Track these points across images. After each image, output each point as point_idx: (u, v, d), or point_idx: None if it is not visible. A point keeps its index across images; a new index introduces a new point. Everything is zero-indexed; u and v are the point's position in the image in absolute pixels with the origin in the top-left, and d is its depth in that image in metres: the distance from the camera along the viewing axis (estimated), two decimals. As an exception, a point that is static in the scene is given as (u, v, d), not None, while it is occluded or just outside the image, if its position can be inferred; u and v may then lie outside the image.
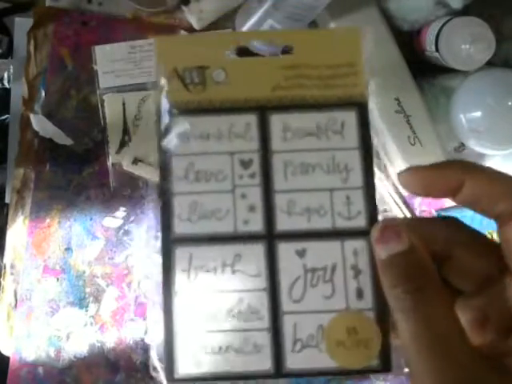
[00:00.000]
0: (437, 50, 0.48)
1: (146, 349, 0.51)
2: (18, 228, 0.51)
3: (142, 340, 0.50)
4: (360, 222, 0.25)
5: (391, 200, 0.52)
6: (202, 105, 0.26)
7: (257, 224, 0.25)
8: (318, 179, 0.26)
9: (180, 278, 0.25)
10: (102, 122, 0.51)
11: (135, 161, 0.50)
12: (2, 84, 0.59)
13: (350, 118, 0.27)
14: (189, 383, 0.25)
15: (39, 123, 0.51)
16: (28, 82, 0.52)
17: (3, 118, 0.59)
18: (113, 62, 0.51)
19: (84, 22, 0.52)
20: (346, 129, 0.26)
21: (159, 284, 0.25)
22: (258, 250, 0.25)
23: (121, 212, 0.51)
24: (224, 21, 0.52)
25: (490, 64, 0.49)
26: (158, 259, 0.25)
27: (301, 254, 0.25)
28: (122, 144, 0.50)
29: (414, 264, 0.20)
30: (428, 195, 0.23)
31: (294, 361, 0.24)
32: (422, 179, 0.22)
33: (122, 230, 0.51)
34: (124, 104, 0.50)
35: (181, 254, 0.25)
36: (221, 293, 0.25)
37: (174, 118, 0.26)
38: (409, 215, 0.52)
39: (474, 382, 0.18)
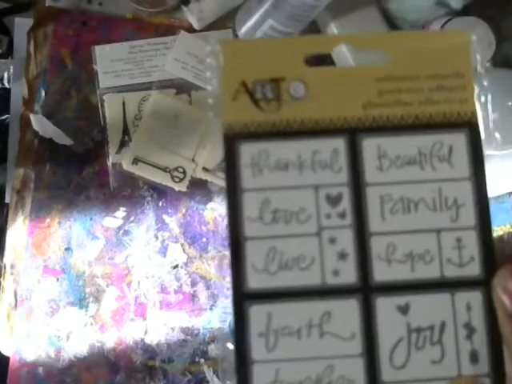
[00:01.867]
0: (437, 50, 0.48)
1: (145, 349, 0.51)
2: (18, 228, 0.51)
3: (142, 340, 0.51)
4: (474, 269, 0.20)
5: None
6: (276, 127, 0.21)
7: (349, 275, 0.21)
8: (421, 218, 0.21)
9: (256, 344, 0.20)
10: (101, 122, 0.51)
11: (135, 161, 0.50)
12: (2, 84, 0.59)
13: (459, 141, 0.22)
14: None
15: (39, 123, 0.51)
16: (28, 81, 0.52)
17: (3, 117, 0.59)
18: (113, 62, 0.51)
19: (84, 21, 0.52)
20: (455, 155, 0.22)
21: (231, 351, 0.20)
22: (351, 307, 0.20)
23: (121, 212, 0.51)
24: (224, 21, 0.52)
25: (490, 64, 0.48)
26: (232, 320, 0.20)
27: (403, 310, 0.20)
28: (122, 144, 0.50)
29: None
30: None
31: None
32: None
33: (122, 230, 0.51)
34: (124, 104, 0.50)
35: (257, 313, 0.20)
36: (306, 361, 0.20)
37: (243, 143, 0.21)
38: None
39: None
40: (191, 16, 0.51)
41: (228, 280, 0.20)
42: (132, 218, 0.51)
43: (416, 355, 0.20)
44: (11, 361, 0.50)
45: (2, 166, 0.55)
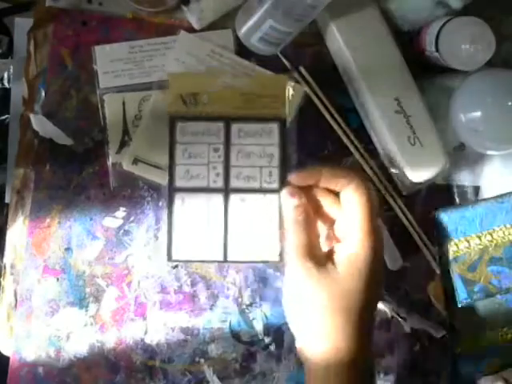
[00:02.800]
0: (437, 50, 0.48)
1: (145, 349, 0.51)
2: (18, 228, 0.51)
3: (142, 340, 0.51)
4: (275, 185, 0.45)
5: (390, 198, 0.52)
6: (193, 115, 0.46)
7: (220, 183, 0.46)
8: (254, 160, 0.46)
9: (179, 216, 0.45)
10: (102, 121, 0.51)
11: (135, 161, 0.50)
12: (2, 84, 0.59)
13: (275, 127, 0.46)
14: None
15: (39, 123, 0.51)
16: (28, 81, 0.52)
17: (3, 117, 0.59)
18: (113, 62, 0.51)
19: (84, 21, 0.52)
20: (272, 133, 0.46)
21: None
22: (219, 198, 0.46)
23: (121, 212, 0.51)
24: (224, 21, 0.52)
25: (490, 64, 0.49)
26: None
27: (243, 200, 0.46)
28: (122, 144, 0.50)
29: (301, 209, 0.41)
30: (305, 183, 0.42)
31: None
32: (302, 179, 0.42)
33: (121, 230, 0.51)
34: (124, 104, 0.51)
35: (179, 198, 0.45)
36: (197, 211, 0.46)
37: (177, 122, 0.46)
38: (408, 213, 0.52)
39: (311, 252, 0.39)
40: (191, 16, 0.51)
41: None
42: (132, 218, 0.51)
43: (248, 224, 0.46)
44: (11, 361, 0.50)
45: (2, 166, 0.55)
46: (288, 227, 0.41)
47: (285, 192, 0.42)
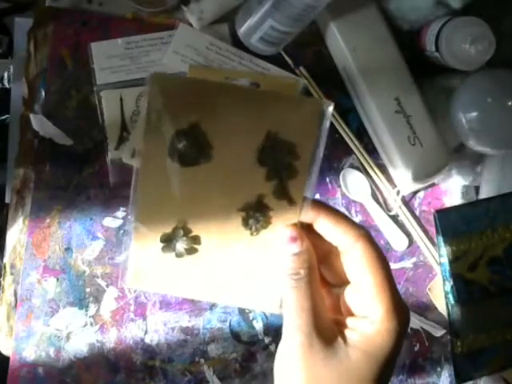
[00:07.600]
0: (437, 49, 0.48)
1: (145, 349, 0.51)
2: (18, 228, 0.51)
3: (142, 340, 0.51)
4: None
5: (392, 199, 0.52)
6: None
7: None
8: None
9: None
10: (100, 118, 0.51)
11: (135, 153, 0.50)
12: (2, 84, 0.59)
13: None
14: None
15: (39, 123, 0.51)
16: (28, 81, 0.52)
17: (3, 117, 0.59)
18: (109, 58, 0.51)
19: (84, 21, 0.52)
20: None
21: None
22: None
23: (121, 212, 0.51)
24: (224, 21, 0.52)
25: (490, 64, 0.49)
26: None
27: None
28: (121, 140, 0.50)
29: (304, 260, 0.30)
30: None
31: None
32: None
33: (122, 230, 0.51)
34: (122, 100, 0.50)
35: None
36: None
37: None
38: (408, 213, 0.52)
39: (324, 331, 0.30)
40: (191, 16, 0.51)
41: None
42: (132, 218, 0.51)
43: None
44: (11, 361, 0.50)
45: (2, 165, 0.55)
46: (286, 284, 0.30)
47: (284, 234, 0.31)
